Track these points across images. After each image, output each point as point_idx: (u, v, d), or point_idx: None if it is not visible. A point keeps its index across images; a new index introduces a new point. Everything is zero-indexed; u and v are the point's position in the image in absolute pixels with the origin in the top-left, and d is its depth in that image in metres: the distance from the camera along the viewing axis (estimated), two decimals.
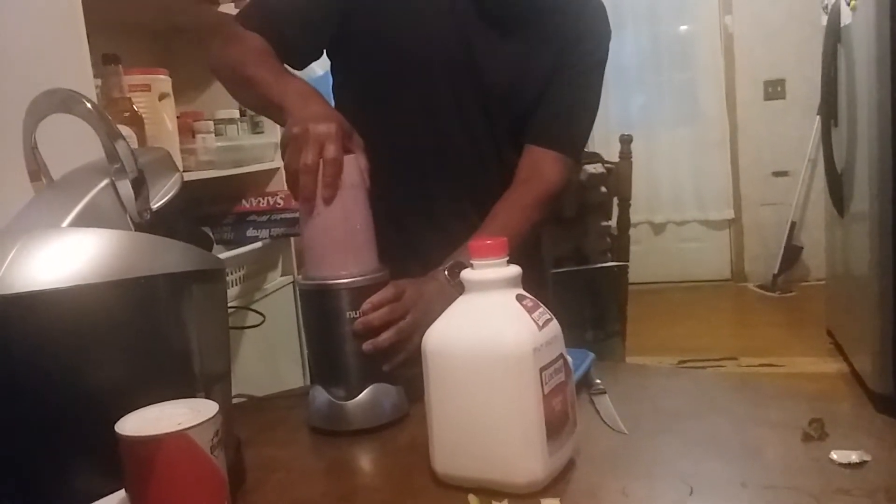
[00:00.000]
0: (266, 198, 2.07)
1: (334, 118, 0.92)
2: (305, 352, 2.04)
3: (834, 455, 0.72)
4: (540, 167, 1.22)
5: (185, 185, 0.80)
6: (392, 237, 1.10)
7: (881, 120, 2.53)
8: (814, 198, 4.47)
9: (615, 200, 1.82)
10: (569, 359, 0.76)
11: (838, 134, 3.04)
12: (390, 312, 0.92)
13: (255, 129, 2.15)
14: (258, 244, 1.97)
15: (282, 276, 2.18)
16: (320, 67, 1.48)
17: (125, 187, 0.70)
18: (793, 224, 4.55)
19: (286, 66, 1.12)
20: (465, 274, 0.75)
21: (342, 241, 0.91)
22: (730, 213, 4.82)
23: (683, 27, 4.83)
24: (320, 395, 0.92)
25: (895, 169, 2.53)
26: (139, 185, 0.71)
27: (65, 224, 0.67)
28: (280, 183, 2.20)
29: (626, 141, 1.82)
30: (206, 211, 2.05)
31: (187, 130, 1.86)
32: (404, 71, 1.18)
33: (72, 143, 0.82)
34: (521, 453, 0.70)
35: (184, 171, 1.12)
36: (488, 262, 0.74)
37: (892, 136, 2.52)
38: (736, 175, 4.78)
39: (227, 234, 1.99)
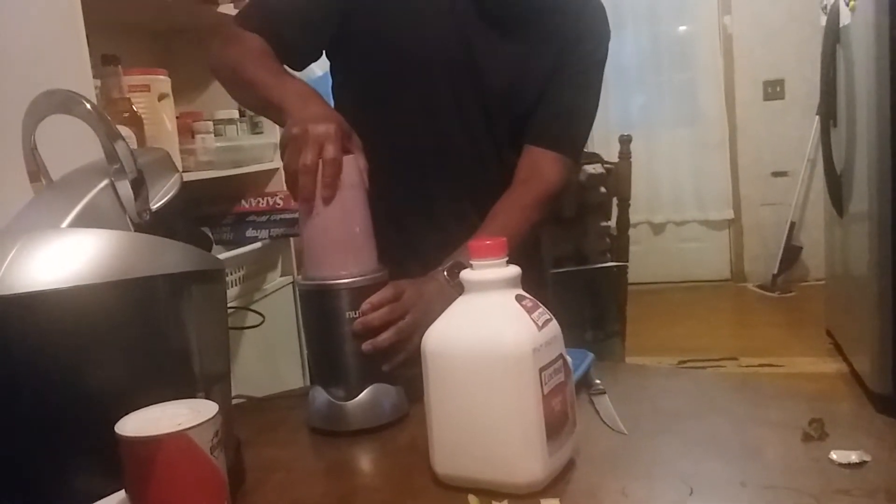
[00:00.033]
0: (265, 198, 2.07)
1: (333, 118, 0.92)
2: (305, 352, 2.04)
3: (834, 455, 0.72)
4: (539, 167, 1.22)
5: (185, 186, 0.80)
6: (392, 237, 1.10)
7: (880, 120, 2.53)
8: (813, 198, 4.47)
9: (615, 200, 1.82)
10: (568, 359, 0.76)
11: (837, 134, 3.04)
12: (390, 312, 0.92)
13: (255, 129, 2.15)
14: (258, 244, 1.97)
15: (281, 276, 2.18)
16: (319, 68, 1.48)
17: (125, 188, 0.70)
18: (792, 224, 4.55)
19: (285, 67, 1.12)
20: (465, 274, 0.75)
21: (341, 241, 0.91)
22: (729, 214, 4.83)
23: (683, 27, 4.83)
24: (320, 395, 0.92)
25: (894, 169, 2.53)
26: (138, 185, 0.71)
27: (64, 225, 0.67)
28: (279, 183, 2.20)
29: (625, 141, 1.82)
30: (206, 211, 2.05)
31: (187, 131, 1.86)
32: (404, 71, 1.18)
33: (71, 143, 0.82)
34: (520, 453, 0.70)
35: (183, 172, 1.11)
36: (488, 262, 0.74)
37: (891, 136, 2.52)
38: (735, 175, 4.78)
39: (227, 235, 1.99)
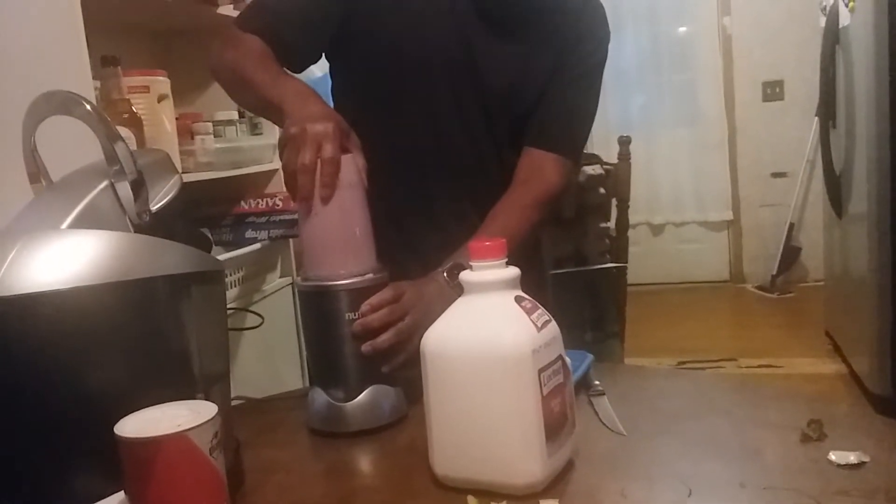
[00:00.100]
0: (265, 199, 2.07)
1: (332, 118, 0.92)
2: (304, 353, 2.04)
3: (832, 456, 0.72)
4: (539, 169, 1.22)
5: (184, 187, 0.80)
6: (392, 237, 1.10)
7: (879, 121, 2.53)
8: (812, 199, 4.47)
9: (614, 201, 1.82)
10: (567, 360, 0.76)
11: (837, 135, 3.04)
12: (389, 314, 0.92)
13: (254, 130, 2.15)
14: (257, 246, 1.97)
15: (280, 277, 2.18)
16: (319, 69, 1.48)
17: (124, 189, 0.70)
18: (791, 225, 4.55)
19: (285, 68, 1.12)
20: (465, 275, 0.75)
21: (340, 240, 0.91)
22: (728, 215, 4.83)
23: (682, 28, 4.83)
24: (319, 396, 0.92)
25: (893, 170, 2.53)
26: (138, 186, 0.71)
27: (64, 226, 0.68)
28: (279, 184, 2.20)
29: (624, 142, 1.82)
30: (205, 212, 2.05)
31: (186, 132, 1.86)
32: (404, 71, 1.18)
33: (71, 144, 0.82)
34: (519, 455, 0.70)
35: (183, 173, 1.12)
36: (487, 263, 0.74)
37: (891, 137, 2.52)
38: (735, 176, 4.78)
39: (226, 236, 1.99)
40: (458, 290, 0.77)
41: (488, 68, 1.19)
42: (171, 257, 0.69)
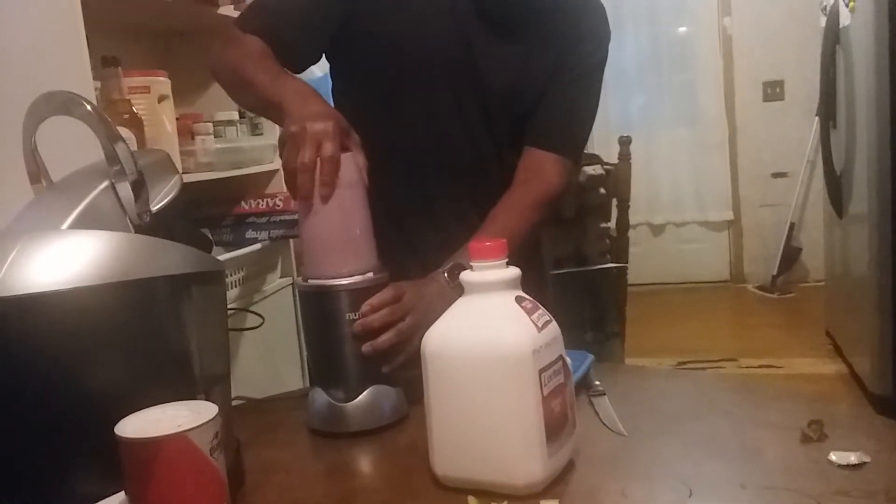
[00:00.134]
0: (265, 199, 2.07)
1: (332, 116, 0.92)
2: (305, 354, 2.03)
3: (833, 456, 0.72)
4: (540, 169, 1.22)
5: (185, 187, 0.80)
6: (392, 237, 1.10)
7: (880, 121, 2.53)
8: (813, 199, 4.47)
9: (614, 202, 1.82)
10: (568, 360, 0.76)
11: (837, 135, 3.04)
12: (390, 314, 0.92)
13: (255, 130, 2.15)
14: (257, 246, 1.97)
15: (281, 277, 2.18)
16: (319, 69, 1.48)
17: (125, 189, 0.70)
18: (792, 225, 4.55)
19: (285, 69, 1.12)
20: (465, 276, 0.75)
21: (341, 239, 0.91)
22: (729, 215, 4.83)
23: (683, 28, 4.83)
24: (320, 396, 0.92)
25: (894, 170, 2.53)
26: (139, 187, 0.71)
27: (65, 226, 0.68)
28: (279, 185, 2.20)
29: (625, 142, 1.82)
30: (206, 213, 2.05)
31: (186, 132, 1.86)
32: (404, 71, 1.18)
33: (71, 145, 0.82)
34: (520, 455, 0.70)
35: (183, 173, 1.12)
36: (488, 263, 0.74)
37: (891, 137, 2.52)
38: (735, 176, 4.78)
39: (227, 236, 1.99)
40: (458, 290, 0.77)
41: (488, 68, 1.19)
42: (171, 258, 0.69)
